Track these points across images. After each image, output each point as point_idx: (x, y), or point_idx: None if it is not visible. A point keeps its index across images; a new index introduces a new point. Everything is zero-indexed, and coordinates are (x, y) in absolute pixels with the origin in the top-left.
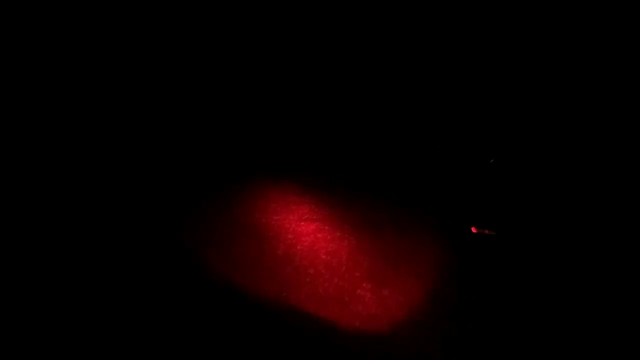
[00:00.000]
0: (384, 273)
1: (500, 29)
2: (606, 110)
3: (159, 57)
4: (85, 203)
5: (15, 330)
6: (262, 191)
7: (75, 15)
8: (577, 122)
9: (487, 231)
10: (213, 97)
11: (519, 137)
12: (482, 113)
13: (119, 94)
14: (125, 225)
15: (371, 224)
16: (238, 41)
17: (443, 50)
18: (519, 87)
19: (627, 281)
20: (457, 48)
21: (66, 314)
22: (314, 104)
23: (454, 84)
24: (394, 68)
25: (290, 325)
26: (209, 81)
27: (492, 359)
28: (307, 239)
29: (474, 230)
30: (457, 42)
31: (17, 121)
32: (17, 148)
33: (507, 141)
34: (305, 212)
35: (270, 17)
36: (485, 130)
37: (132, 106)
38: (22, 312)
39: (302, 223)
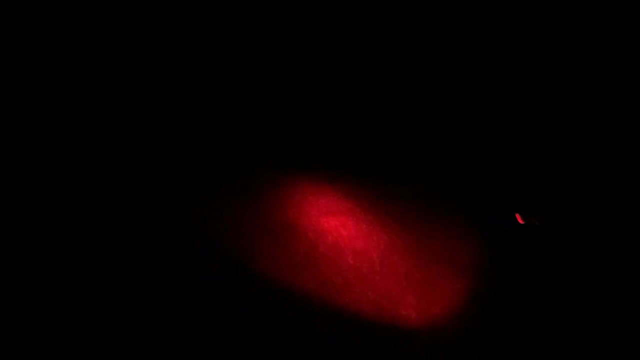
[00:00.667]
0: (425, 280)
1: (503, 29)
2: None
3: (176, 53)
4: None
5: (16, 330)
6: (273, 183)
7: (75, 15)
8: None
9: (532, 220)
10: (224, 90)
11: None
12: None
13: (136, 92)
14: (142, 221)
15: (400, 215)
16: (259, 36)
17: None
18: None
19: None
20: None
21: (78, 312)
22: (334, 95)
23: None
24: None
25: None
26: (220, 74)
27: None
28: (330, 237)
29: (518, 218)
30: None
31: (17, 121)
32: (17, 148)
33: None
34: (325, 205)
35: (283, 14)
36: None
37: (147, 102)
38: (26, 312)
39: (323, 218)
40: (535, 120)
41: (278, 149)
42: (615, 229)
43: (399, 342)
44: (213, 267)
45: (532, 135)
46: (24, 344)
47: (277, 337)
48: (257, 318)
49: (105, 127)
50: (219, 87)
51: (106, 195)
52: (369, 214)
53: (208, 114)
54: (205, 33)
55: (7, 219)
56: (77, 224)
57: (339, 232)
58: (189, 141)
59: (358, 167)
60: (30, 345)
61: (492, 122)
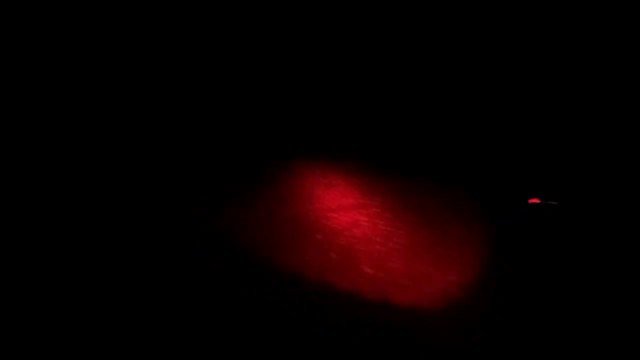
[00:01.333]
0: (429, 275)
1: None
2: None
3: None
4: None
5: (16, 330)
6: (280, 177)
7: (75, 15)
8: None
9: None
10: (227, 83)
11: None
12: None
13: (137, 91)
14: (158, 218)
15: (415, 210)
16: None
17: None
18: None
19: None
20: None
21: (78, 311)
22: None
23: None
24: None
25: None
26: (234, 73)
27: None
28: (342, 240)
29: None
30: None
31: (17, 121)
32: (20, 148)
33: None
34: (334, 198)
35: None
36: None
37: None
38: (26, 312)
39: (333, 214)
40: (546, 121)
41: (282, 139)
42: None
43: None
44: (213, 267)
45: (544, 135)
46: (24, 344)
47: (278, 337)
48: (258, 318)
49: (106, 127)
50: (221, 80)
51: (108, 195)
52: (385, 209)
53: (213, 106)
54: (206, 32)
55: (7, 218)
56: (76, 223)
57: (350, 231)
58: (193, 135)
59: (370, 159)
60: (30, 345)
61: (506, 123)
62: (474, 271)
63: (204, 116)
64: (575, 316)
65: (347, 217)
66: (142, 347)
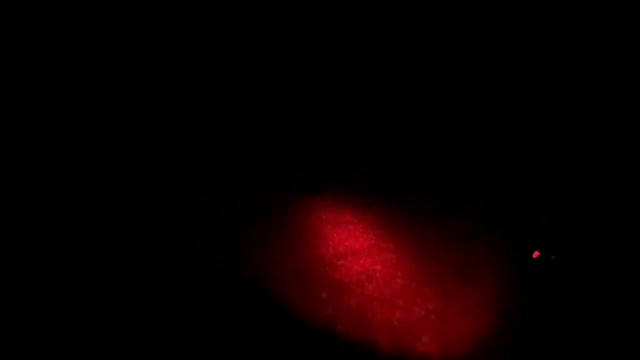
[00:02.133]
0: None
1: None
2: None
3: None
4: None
5: (16, 330)
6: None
7: (75, 15)
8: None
9: (551, 256)
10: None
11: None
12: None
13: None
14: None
15: (442, 256)
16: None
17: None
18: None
19: None
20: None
21: (79, 311)
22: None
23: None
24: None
25: None
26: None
27: None
28: (352, 300)
29: (535, 255)
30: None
31: (19, 121)
32: (17, 148)
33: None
34: (342, 239)
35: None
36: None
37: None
38: (27, 312)
39: (341, 262)
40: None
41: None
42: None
43: None
44: (213, 266)
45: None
46: (24, 344)
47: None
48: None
49: (110, 130)
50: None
51: (112, 196)
52: (396, 253)
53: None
54: (214, 39)
55: (8, 218)
56: (77, 223)
57: (362, 287)
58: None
59: (380, 192)
60: (30, 345)
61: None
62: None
63: (209, 134)
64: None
65: (357, 266)
66: (143, 346)
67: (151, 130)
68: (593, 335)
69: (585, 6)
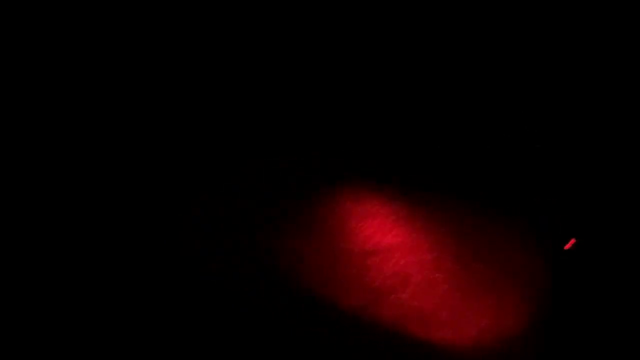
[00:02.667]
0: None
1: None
2: None
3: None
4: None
5: (16, 330)
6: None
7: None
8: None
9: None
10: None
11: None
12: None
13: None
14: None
15: (460, 244)
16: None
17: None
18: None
19: None
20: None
21: (81, 311)
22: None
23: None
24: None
25: None
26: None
27: None
28: (388, 312)
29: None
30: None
31: (19, 121)
32: (18, 148)
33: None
34: (372, 233)
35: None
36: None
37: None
38: (27, 312)
39: (371, 260)
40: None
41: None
42: None
43: None
44: (213, 267)
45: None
46: (24, 344)
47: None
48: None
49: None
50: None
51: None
52: (436, 253)
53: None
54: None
55: (8, 219)
56: (77, 223)
57: (397, 295)
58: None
59: (407, 180)
60: (30, 345)
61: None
62: None
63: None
64: None
65: (389, 267)
66: (143, 346)
67: (151, 131)
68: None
69: (585, 6)
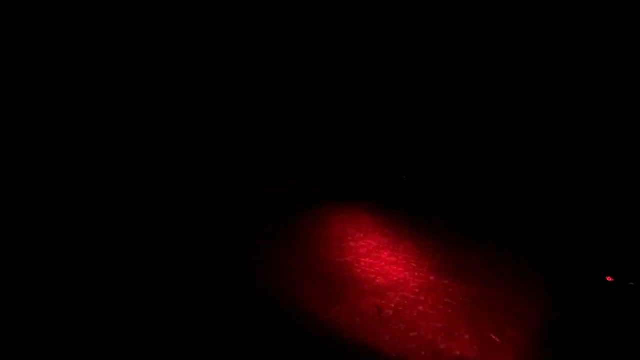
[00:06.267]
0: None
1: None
2: None
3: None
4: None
5: (16, 330)
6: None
7: (75, 15)
8: None
9: (630, 283)
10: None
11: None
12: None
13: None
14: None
15: (462, 269)
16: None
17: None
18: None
19: None
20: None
21: (86, 312)
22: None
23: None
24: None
25: None
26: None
27: None
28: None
29: (609, 279)
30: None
31: (20, 122)
32: (21, 149)
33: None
34: (365, 248)
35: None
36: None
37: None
38: (28, 312)
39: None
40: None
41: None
42: None
43: None
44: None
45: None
46: (24, 344)
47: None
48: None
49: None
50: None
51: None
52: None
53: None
54: (254, 54)
55: (10, 219)
56: (81, 225)
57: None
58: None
59: (410, 204)
60: (31, 345)
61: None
62: None
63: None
64: None
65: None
66: (144, 346)
67: (160, 135)
68: None
69: (585, 6)
